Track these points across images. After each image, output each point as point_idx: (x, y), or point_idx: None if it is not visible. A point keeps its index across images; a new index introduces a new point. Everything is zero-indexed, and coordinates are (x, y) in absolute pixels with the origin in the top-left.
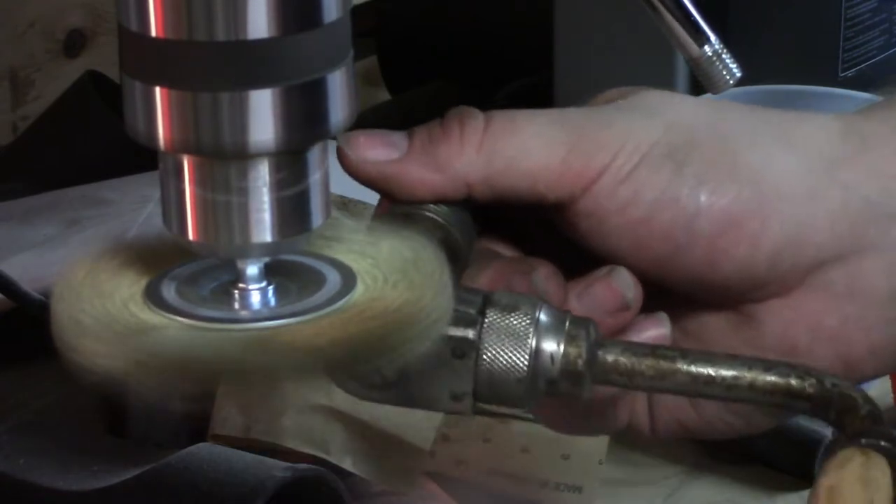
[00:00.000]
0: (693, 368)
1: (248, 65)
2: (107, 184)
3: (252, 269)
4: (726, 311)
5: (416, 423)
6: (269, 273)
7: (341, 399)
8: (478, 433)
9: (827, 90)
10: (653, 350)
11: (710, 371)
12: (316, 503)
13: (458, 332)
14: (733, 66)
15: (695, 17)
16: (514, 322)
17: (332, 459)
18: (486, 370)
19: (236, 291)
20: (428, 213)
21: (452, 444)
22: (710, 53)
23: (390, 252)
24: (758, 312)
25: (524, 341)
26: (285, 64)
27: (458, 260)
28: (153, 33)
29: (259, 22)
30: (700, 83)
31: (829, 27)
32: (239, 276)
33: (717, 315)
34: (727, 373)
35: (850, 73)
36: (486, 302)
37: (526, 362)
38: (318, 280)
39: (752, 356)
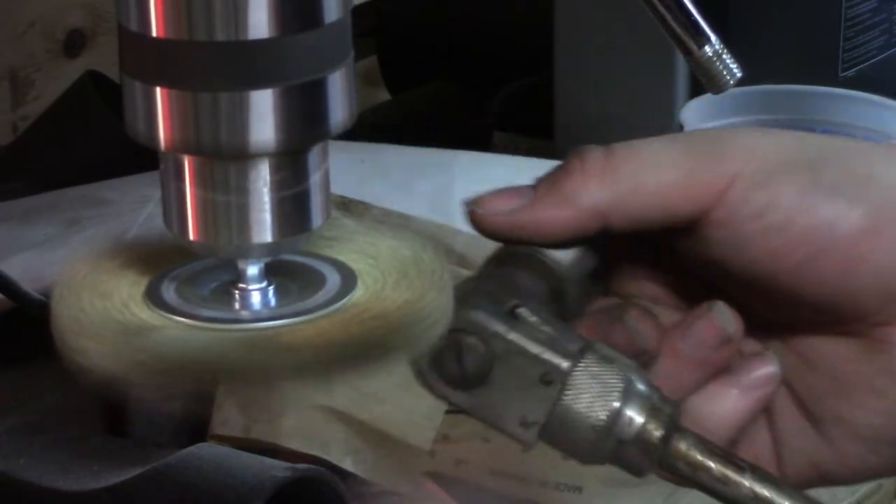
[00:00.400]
0: (757, 487)
1: (248, 65)
2: (107, 184)
3: (252, 270)
4: (858, 337)
5: (416, 423)
6: (269, 273)
7: (341, 399)
8: (478, 433)
9: (827, 90)
10: (725, 454)
11: (773, 496)
12: (316, 503)
13: (555, 359)
14: (733, 65)
15: (695, 18)
16: (608, 373)
17: (332, 459)
18: (564, 406)
19: (236, 291)
20: (543, 258)
21: (452, 444)
22: (710, 53)
23: (390, 252)
24: (893, 336)
25: (611, 393)
26: (285, 64)
27: (565, 308)
28: (153, 33)
29: (259, 22)
30: (700, 83)
31: (829, 27)
32: (239, 277)
33: (847, 341)
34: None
35: (850, 73)
36: (588, 347)
37: (606, 413)
38: (318, 280)
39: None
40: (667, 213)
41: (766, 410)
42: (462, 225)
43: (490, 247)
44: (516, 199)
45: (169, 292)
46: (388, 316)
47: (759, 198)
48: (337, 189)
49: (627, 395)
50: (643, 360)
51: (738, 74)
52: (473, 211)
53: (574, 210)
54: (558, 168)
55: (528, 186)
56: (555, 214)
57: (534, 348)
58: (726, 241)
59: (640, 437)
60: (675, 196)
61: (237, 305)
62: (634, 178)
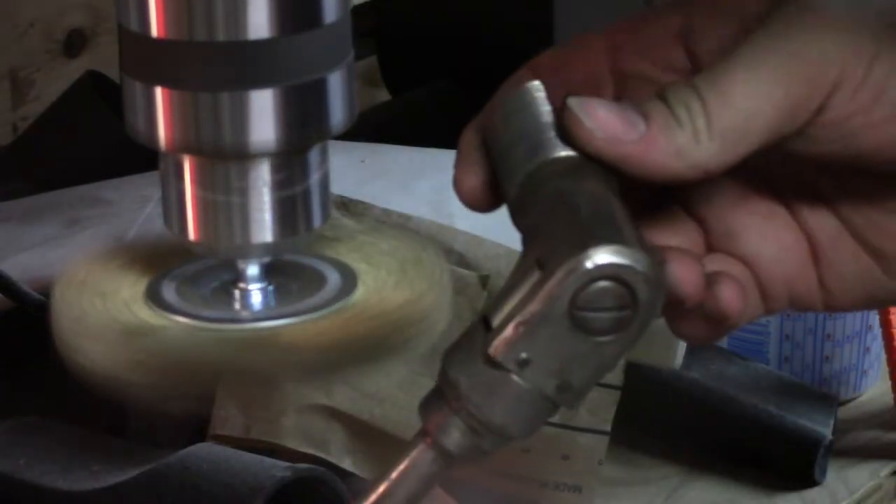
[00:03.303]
0: None
1: (248, 65)
2: (107, 184)
3: (252, 269)
4: None
5: (416, 424)
6: (269, 273)
7: (341, 399)
8: None
9: None
10: None
11: None
12: (316, 503)
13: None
14: None
15: None
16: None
17: (332, 459)
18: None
19: (237, 291)
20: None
21: None
22: None
23: (390, 252)
24: None
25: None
26: (285, 64)
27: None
28: (153, 34)
29: (259, 22)
30: None
31: None
32: (239, 276)
33: None
34: None
35: None
36: None
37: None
38: (318, 280)
39: None
40: (767, 146)
41: (815, 258)
42: (462, 225)
43: (490, 247)
44: (627, 128)
45: (169, 292)
46: (388, 316)
47: (862, 98)
48: (337, 189)
49: None
50: (680, 309)
51: None
52: (581, 122)
53: (684, 165)
54: (661, 108)
55: (635, 113)
56: (665, 163)
57: None
58: (835, 141)
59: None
60: (777, 130)
61: (237, 305)
62: (741, 131)
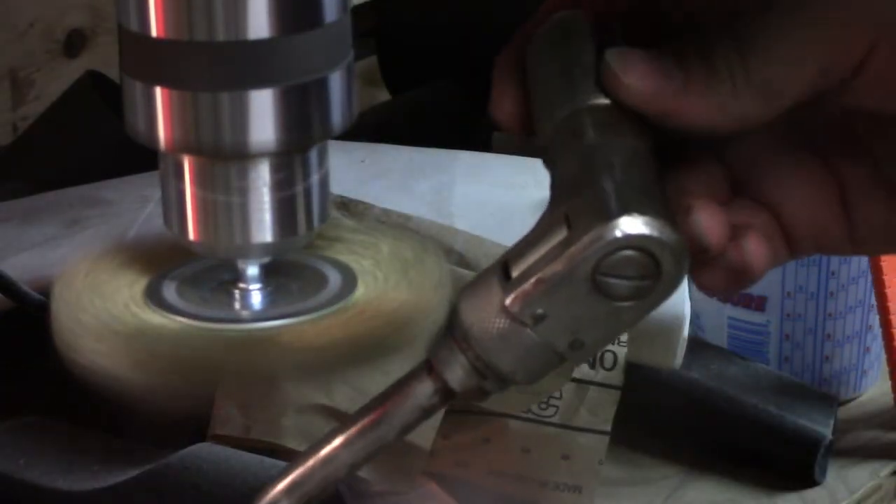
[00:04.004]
0: None
1: (248, 65)
2: (107, 184)
3: (252, 269)
4: None
5: None
6: (269, 273)
7: (341, 399)
8: (478, 433)
9: None
10: None
11: None
12: (316, 503)
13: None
14: None
15: None
16: None
17: None
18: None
19: (237, 291)
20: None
21: (452, 444)
22: None
23: (390, 252)
24: None
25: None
26: (285, 64)
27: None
28: (153, 33)
29: (259, 22)
30: None
31: None
32: (239, 276)
33: None
34: None
35: None
36: None
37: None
38: (318, 280)
39: None
40: (806, 99)
41: (844, 205)
42: (462, 225)
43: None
44: (665, 80)
45: (169, 292)
46: (388, 316)
47: None
48: (337, 189)
49: None
50: (702, 258)
51: None
52: (619, 77)
53: (722, 119)
54: (697, 60)
55: (672, 63)
56: (702, 116)
57: None
58: (869, 94)
59: None
60: (816, 85)
61: (237, 305)
62: (777, 85)
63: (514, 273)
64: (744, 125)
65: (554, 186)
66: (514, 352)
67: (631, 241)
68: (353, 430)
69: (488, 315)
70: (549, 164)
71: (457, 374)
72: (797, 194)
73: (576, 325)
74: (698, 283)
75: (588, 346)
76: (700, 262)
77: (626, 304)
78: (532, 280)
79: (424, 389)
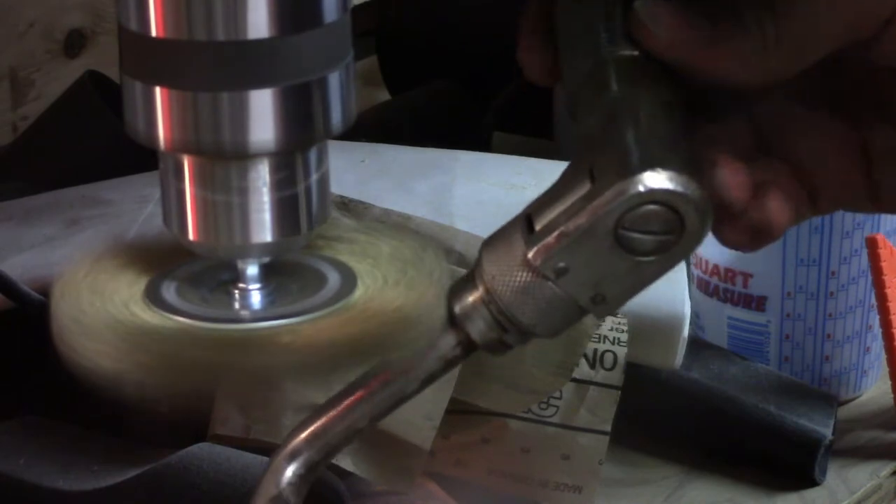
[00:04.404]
0: None
1: (248, 65)
2: (107, 184)
3: (252, 269)
4: None
5: (416, 423)
6: (269, 273)
7: None
8: (478, 433)
9: None
10: None
11: None
12: (316, 503)
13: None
14: None
15: None
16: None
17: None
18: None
19: (236, 291)
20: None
21: (452, 444)
22: None
23: (390, 252)
24: None
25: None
26: (285, 64)
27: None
28: (153, 33)
29: (259, 22)
30: None
31: None
32: (239, 276)
33: None
34: None
35: None
36: None
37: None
38: (318, 280)
39: None
40: (835, 53)
41: (866, 161)
42: (462, 225)
43: None
44: (694, 34)
45: (169, 292)
46: (387, 316)
47: None
48: (337, 189)
49: None
50: (725, 214)
51: None
52: (648, 27)
53: (750, 72)
54: (728, 13)
55: (704, 18)
56: (730, 69)
57: None
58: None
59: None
60: (845, 39)
61: (237, 305)
62: (806, 38)
63: (538, 226)
64: (771, 79)
65: (578, 138)
66: (535, 304)
67: (654, 195)
68: (375, 382)
69: (510, 267)
70: (574, 115)
71: (478, 326)
72: (820, 152)
73: (598, 279)
74: (721, 239)
75: (610, 299)
76: (723, 218)
77: (648, 258)
78: (555, 233)
79: (447, 341)
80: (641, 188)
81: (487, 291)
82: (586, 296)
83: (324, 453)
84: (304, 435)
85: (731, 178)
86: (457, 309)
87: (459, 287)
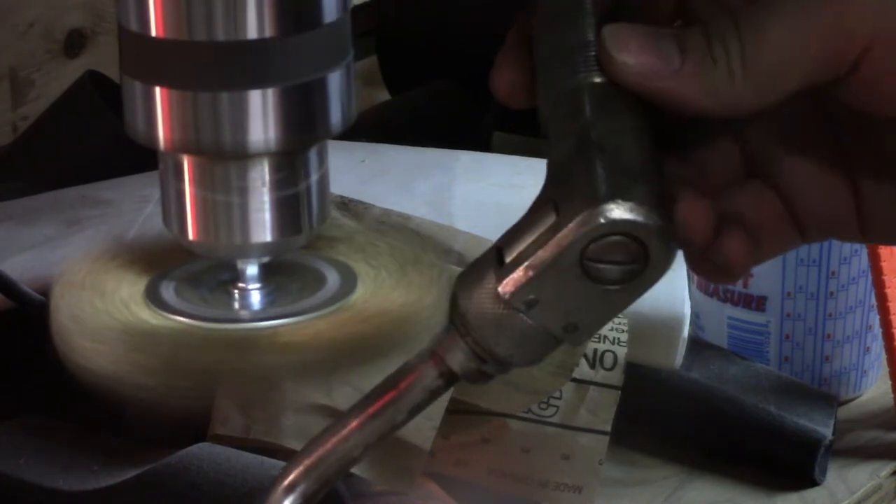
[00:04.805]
0: None
1: (247, 65)
2: (107, 184)
3: (252, 269)
4: None
5: (416, 423)
6: (269, 273)
7: (341, 399)
8: (478, 433)
9: None
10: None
11: None
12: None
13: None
14: None
15: None
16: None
17: None
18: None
19: (236, 291)
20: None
21: (452, 444)
22: None
23: (390, 252)
24: None
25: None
26: (285, 64)
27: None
28: (153, 33)
29: (258, 22)
30: None
31: None
32: (239, 276)
33: None
34: None
35: None
36: None
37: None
38: (318, 280)
39: None
40: (802, 92)
41: (854, 193)
42: (462, 225)
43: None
44: (660, 62)
45: (168, 292)
46: (387, 316)
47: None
48: (337, 189)
49: None
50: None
51: None
52: (610, 54)
53: (715, 104)
54: (700, 42)
55: (670, 44)
56: (695, 100)
57: None
58: (865, 94)
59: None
60: (811, 80)
61: (237, 305)
62: (772, 76)
63: (507, 259)
64: (737, 112)
65: (548, 166)
66: (509, 336)
67: (616, 226)
68: (364, 414)
69: (483, 301)
70: (545, 137)
71: (457, 357)
72: (809, 181)
73: (568, 309)
74: (692, 270)
75: (582, 328)
76: (686, 253)
77: (615, 287)
78: (522, 266)
79: (429, 372)
80: (602, 220)
81: (463, 323)
82: (558, 326)
83: (320, 484)
84: (300, 468)
85: (691, 218)
86: (437, 341)
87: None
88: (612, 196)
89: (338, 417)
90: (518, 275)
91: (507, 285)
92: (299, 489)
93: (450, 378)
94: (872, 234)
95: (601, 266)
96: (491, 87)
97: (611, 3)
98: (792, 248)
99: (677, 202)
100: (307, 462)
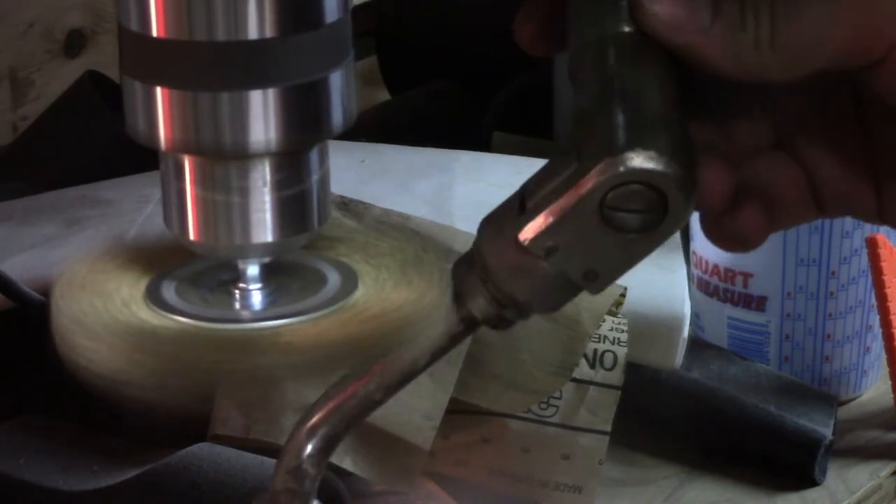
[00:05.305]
0: None
1: (247, 65)
2: (107, 184)
3: (252, 269)
4: None
5: (416, 423)
6: (269, 273)
7: None
8: (478, 433)
9: None
10: None
11: None
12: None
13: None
14: None
15: None
16: None
17: (332, 459)
18: None
19: (237, 291)
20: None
21: (452, 444)
22: None
23: (390, 252)
24: None
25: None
26: (285, 64)
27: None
28: (153, 33)
29: (259, 22)
30: None
31: None
32: (239, 276)
33: None
34: None
35: None
36: None
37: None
38: (318, 280)
39: None
40: (827, 72)
41: (875, 174)
42: (462, 225)
43: None
44: (690, 19)
45: (169, 292)
46: (388, 316)
47: None
48: (337, 189)
49: None
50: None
51: None
52: (643, 4)
53: (740, 69)
54: (733, 5)
55: (706, 3)
56: (720, 61)
57: None
58: (891, 86)
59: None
60: (836, 64)
61: (237, 305)
62: (798, 53)
63: (529, 205)
64: (759, 80)
65: (573, 114)
66: (529, 282)
67: (635, 175)
68: (387, 358)
69: (503, 247)
70: (572, 82)
71: (479, 302)
72: (832, 158)
73: (588, 257)
74: (705, 235)
75: (602, 276)
76: (704, 218)
77: (635, 235)
78: (542, 213)
79: (451, 316)
80: (622, 168)
81: (485, 269)
82: (578, 273)
83: (342, 426)
84: (322, 411)
85: (712, 184)
86: (458, 286)
87: (462, 264)
88: (632, 145)
89: (359, 363)
90: (538, 221)
91: (527, 232)
92: (321, 431)
93: (471, 322)
94: (889, 218)
95: (620, 214)
96: (515, 34)
97: None
98: (810, 221)
99: (701, 168)
100: (330, 405)
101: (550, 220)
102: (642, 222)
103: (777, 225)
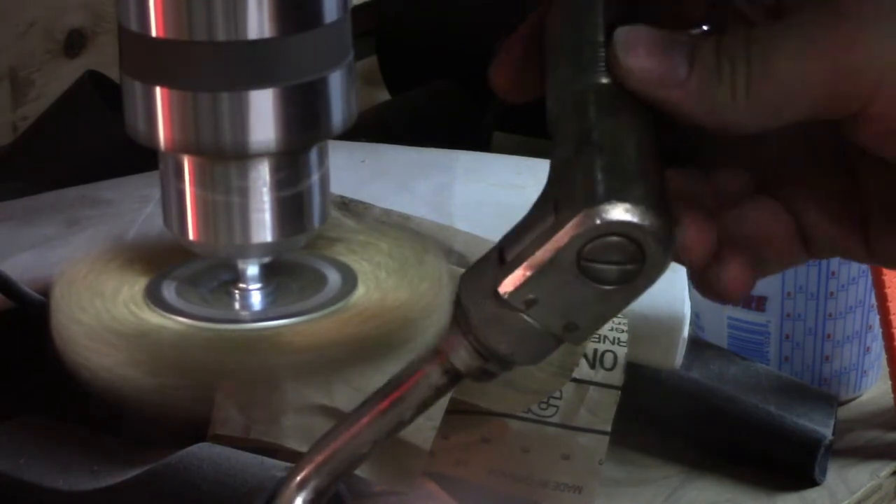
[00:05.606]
0: None
1: (248, 65)
2: (107, 184)
3: (252, 269)
4: None
5: (416, 423)
6: (269, 273)
7: (341, 399)
8: (478, 433)
9: None
10: None
11: None
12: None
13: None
14: None
15: None
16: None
17: None
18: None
19: (237, 291)
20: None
21: (452, 444)
22: None
23: (390, 252)
24: None
25: None
26: (285, 64)
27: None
28: (153, 33)
29: (259, 22)
30: None
31: None
32: (239, 276)
33: None
34: None
35: None
36: None
37: None
38: (318, 280)
39: None
40: (804, 122)
41: (862, 217)
42: (462, 225)
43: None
44: (669, 70)
45: (169, 292)
46: (387, 316)
47: None
48: (337, 189)
49: None
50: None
51: None
52: (619, 59)
53: (715, 120)
54: (711, 55)
55: (681, 55)
56: (699, 116)
57: None
58: (870, 135)
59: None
60: (813, 115)
61: (237, 305)
62: (774, 103)
63: (508, 258)
64: (737, 131)
65: (551, 167)
66: (510, 335)
67: (612, 227)
68: (373, 410)
69: (484, 299)
70: (551, 132)
71: (461, 355)
72: (817, 203)
73: (568, 309)
74: (694, 287)
75: (583, 327)
76: (689, 271)
77: (614, 287)
78: (521, 266)
79: (434, 370)
80: (598, 220)
81: (466, 322)
82: (558, 325)
83: (331, 479)
84: (312, 464)
85: (691, 241)
86: (442, 339)
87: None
88: (609, 197)
89: (346, 415)
90: (517, 274)
91: (506, 285)
92: (311, 485)
93: (454, 375)
94: (879, 258)
95: (599, 266)
96: (490, 81)
97: (627, 4)
98: (800, 264)
99: (679, 223)
100: (318, 458)
101: (529, 272)
102: (620, 274)
103: (765, 271)
